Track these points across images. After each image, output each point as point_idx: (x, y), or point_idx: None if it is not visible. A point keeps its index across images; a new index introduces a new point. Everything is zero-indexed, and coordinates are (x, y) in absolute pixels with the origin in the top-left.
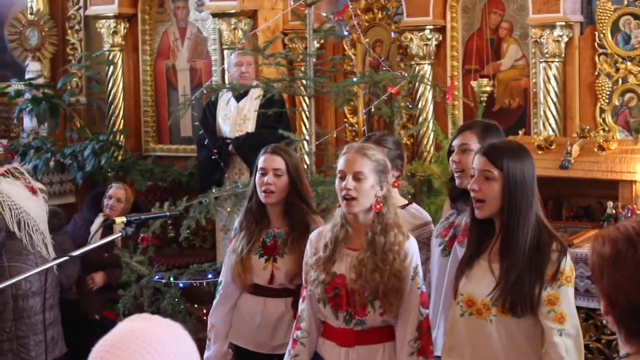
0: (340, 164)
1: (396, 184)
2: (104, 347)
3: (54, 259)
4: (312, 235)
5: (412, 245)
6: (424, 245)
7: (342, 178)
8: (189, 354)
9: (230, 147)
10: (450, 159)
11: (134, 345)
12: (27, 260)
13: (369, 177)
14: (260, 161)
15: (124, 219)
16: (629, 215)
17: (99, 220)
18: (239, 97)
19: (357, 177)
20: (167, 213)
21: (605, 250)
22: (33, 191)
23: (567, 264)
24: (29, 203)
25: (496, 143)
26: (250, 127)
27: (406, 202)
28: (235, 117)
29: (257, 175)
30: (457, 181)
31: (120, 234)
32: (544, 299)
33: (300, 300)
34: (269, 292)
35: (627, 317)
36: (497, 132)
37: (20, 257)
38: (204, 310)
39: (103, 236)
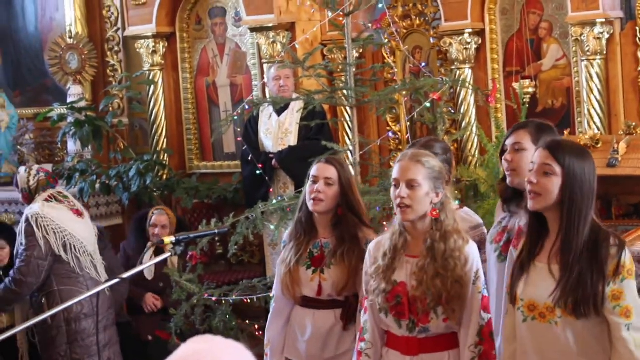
0: (395, 172)
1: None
2: None
3: (106, 281)
4: (371, 245)
5: (472, 250)
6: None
7: (397, 186)
8: None
9: (274, 161)
10: (503, 157)
11: None
12: (77, 283)
13: (423, 185)
14: (314, 170)
15: (172, 238)
16: None
17: (149, 252)
18: (279, 111)
19: (411, 185)
20: (216, 230)
21: None
22: (79, 213)
23: (628, 257)
24: (74, 225)
25: (559, 139)
26: (292, 140)
27: (457, 206)
28: (277, 131)
29: (309, 183)
30: (508, 179)
31: (169, 253)
32: (608, 294)
33: (362, 311)
34: (318, 304)
35: None
36: (551, 132)
37: (69, 281)
38: (256, 326)
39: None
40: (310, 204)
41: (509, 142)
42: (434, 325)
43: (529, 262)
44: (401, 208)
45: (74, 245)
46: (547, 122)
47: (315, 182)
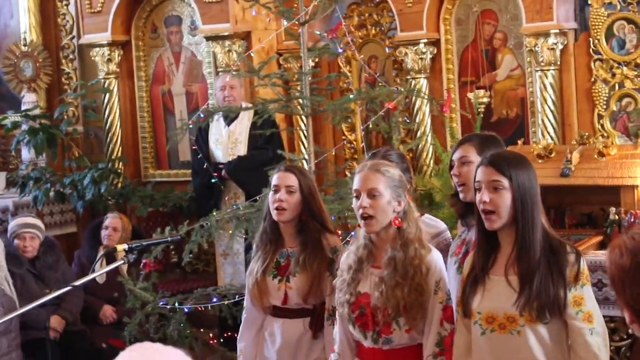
0: (355, 182)
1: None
2: None
3: (57, 289)
4: (342, 258)
5: (435, 259)
6: (443, 253)
7: (358, 197)
8: None
9: (223, 172)
10: (452, 173)
11: None
12: None
13: (384, 194)
14: (274, 179)
15: (125, 246)
16: (632, 220)
17: (100, 260)
18: (230, 121)
19: (372, 195)
20: (169, 238)
21: (624, 262)
22: None
23: (584, 264)
24: None
25: (499, 153)
26: (242, 150)
27: (418, 214)
28: (227, 141)
29: (271, 193)
30: (460, 195)
31: (122, 261)
32: (570, 300)
33: (334, 322)
34: (286, 312)
35: None
36: (496, 143)
37: None
38: (210, 335)
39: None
40: (274, 213)
41: (455, 156)
42: (397, 336)
43: (483, 276)
44: (365, 220)
45: None
46: (491, 134)
47: (276, 191)
